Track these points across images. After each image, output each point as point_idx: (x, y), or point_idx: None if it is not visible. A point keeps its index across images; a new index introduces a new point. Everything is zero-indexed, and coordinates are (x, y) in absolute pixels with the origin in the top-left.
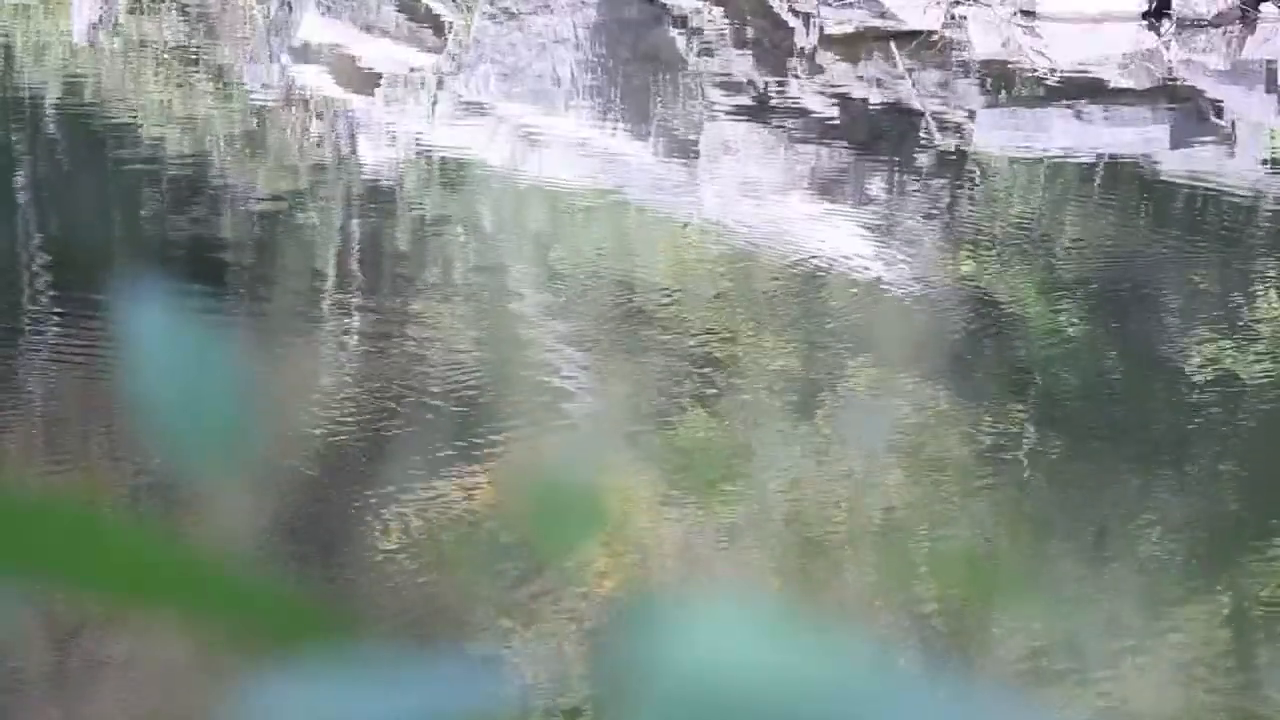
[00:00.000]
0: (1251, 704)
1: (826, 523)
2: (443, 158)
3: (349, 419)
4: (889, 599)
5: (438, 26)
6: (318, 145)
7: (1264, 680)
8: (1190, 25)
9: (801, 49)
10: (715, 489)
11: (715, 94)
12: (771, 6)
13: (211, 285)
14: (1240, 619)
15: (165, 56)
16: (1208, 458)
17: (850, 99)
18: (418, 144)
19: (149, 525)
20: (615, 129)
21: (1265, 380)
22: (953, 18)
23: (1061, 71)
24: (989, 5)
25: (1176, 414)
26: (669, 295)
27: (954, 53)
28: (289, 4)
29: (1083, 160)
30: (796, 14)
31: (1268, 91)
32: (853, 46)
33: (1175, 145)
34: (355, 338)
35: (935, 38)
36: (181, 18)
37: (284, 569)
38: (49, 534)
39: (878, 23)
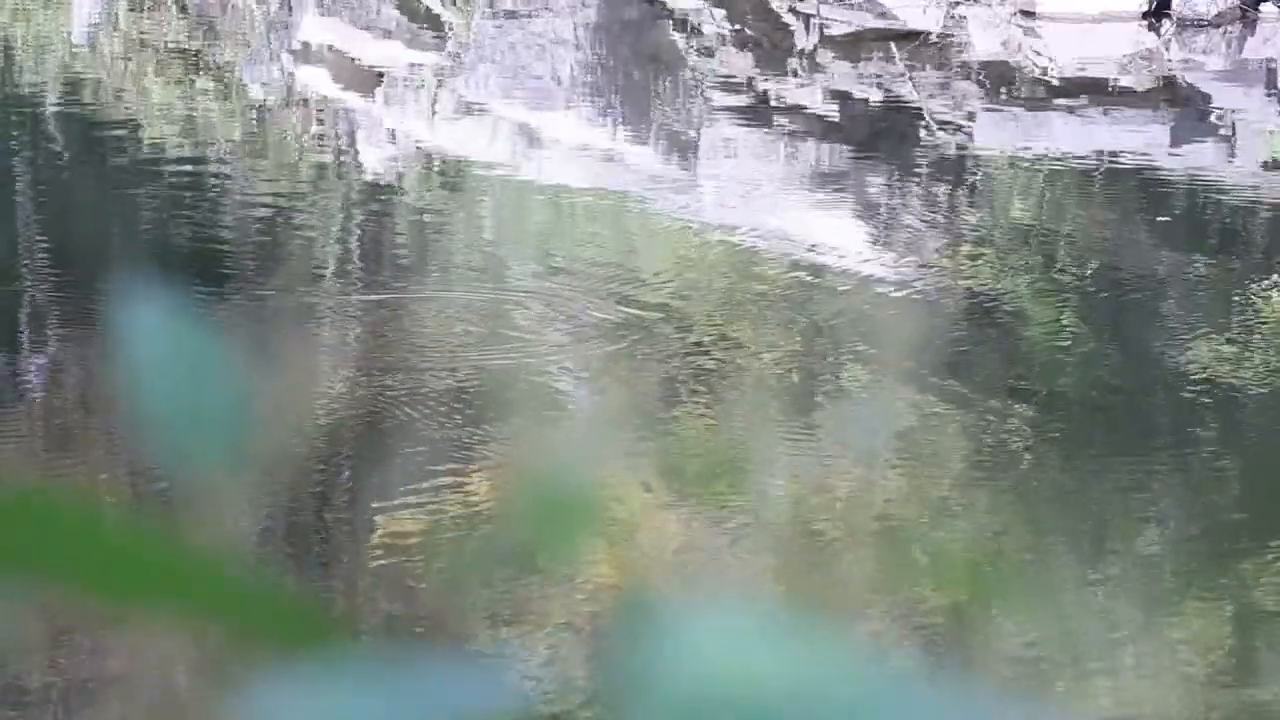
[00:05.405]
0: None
1: (821, 522)
2: (442, 158)
3: (344, 418)
4: (888, 598)
5: (438, 26)
6: (318, 145)
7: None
8: (1190, 25)
9: (801, 49)
10: (713, 488)
11: (715, 94)
12: (772, 8)
13: (209, 284)
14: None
15: (165, 56)
16: (1206, 449)
17: (850, 99)
18: (417, 144)
19: (149, 525)
20: (615, 129)
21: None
22: (953, 18)
23: (1061, 72)
24: (989, 5)
25: (1177, 416)
26: (667, 294)
27: (954, 53)
28: (289, 4)
29: (1082, 161)
30: (797, 15)
31: (1268, 92)
32: (853, 47)
33: (1175, 145)
34: (350, 335)
35: (934, 40)
36: (181, 17)
37: (281, 570)
38: (49, 534)
39: (878, 23)
